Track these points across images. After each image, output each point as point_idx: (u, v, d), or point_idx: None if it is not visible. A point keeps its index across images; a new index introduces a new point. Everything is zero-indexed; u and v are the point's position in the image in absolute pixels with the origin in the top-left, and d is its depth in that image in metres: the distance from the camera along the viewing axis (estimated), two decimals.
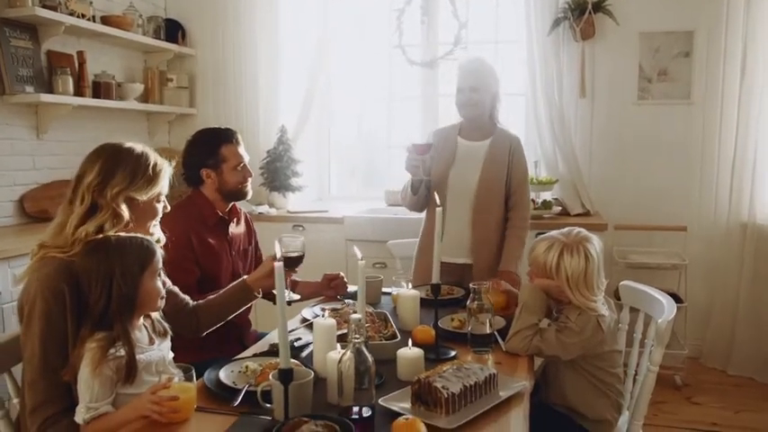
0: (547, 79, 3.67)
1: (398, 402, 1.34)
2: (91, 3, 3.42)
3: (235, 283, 1.92)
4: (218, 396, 1.42)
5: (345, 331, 1.65)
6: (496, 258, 2.45)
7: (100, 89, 3.53)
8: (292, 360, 1.27)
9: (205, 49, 4.23)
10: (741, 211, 3.50)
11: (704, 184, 3.65)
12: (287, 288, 2.01)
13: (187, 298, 1.86)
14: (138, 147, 1.58)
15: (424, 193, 2.48)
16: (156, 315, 1.53)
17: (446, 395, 1.29)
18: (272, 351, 1.67)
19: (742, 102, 3.46)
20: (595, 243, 1.76)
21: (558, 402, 1.81)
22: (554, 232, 1.80)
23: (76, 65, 3.43)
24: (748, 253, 3.47)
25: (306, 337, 1.81)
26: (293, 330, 1.91)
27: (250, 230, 2.36)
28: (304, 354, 1.67)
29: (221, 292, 1.91)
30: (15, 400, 1.53)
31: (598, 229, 3.13)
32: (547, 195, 3.70)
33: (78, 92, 3.38)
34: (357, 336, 1.24)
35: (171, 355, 1.53)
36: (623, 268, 3.39)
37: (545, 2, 3.65)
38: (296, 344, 1.74)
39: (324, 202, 4.26)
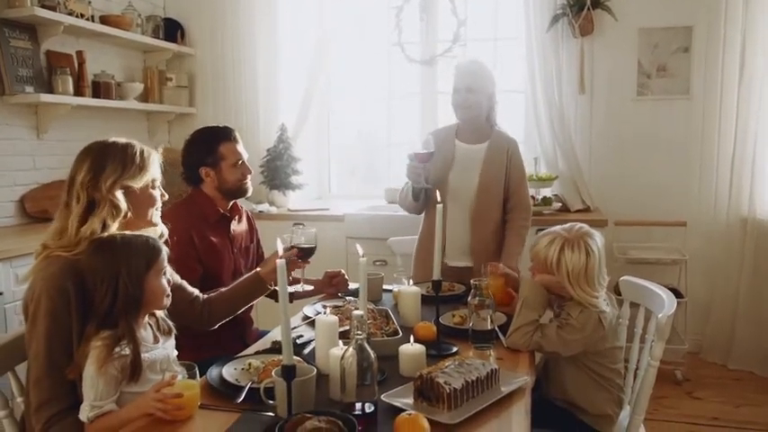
0: (546, 76, 3.67)
1: (401, 398, 1.35)
2: (90, 2, 3.42)
3: (248, 275, 1.94)
4: (222, 393, 1.42)
5: (347, 328, 1.66)
6: (496, 261, 2.45)
7: (99, 89, 3.54)
8: (295, 357, 1.28)
9: (204, 48, 4.23)
10: (741, 205, 3.50)
11: (704, 180, 3.66)
12: (295, 283, 2.05)
13: (196, 291, 1.88)
14: (123, 139, 1.59)
15: (425, 200, 2.49)
16: (160, 313, 1.53)
17: (448, 390, 1.29)
18: (275, 348, 1.68)
19: (741, 96, 3.46)
20: (597, 239, 1.76)
21: (558, 397, 1.82)
22: (556, 227, 1.80)
23: (76, 65, 3.43)
24: (748, 248, 3.47)
25: (308, 334, 1.82)
26: (295, 328, 1.92)
27: (252, 228, 2.37)
28: (306, 351, 1.68)
29: (233, 284, 1.93)
30: (19, 399, 1.54)
31: (598, 224, 3.13)
32: (547, 192, 3.71)
33: (78, 92, 3.38)
34: (359, 332, 1.25)
35: (175, 353, 1.54)
36: (623, 264, 3.39)
37: None
38: (298, 341, 1.74)
39: (324, 201, 4.27)
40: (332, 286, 2.25)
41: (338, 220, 3.64)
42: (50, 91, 3.25)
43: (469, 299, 1.72)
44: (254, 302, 2.05)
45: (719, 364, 3.56)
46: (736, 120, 3.49)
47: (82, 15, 3.33)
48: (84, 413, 1.35)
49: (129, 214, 1.53)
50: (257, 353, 1.68)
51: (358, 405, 1.24)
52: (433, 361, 1.48)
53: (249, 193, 2.24)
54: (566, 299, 1.77)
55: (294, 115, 4.07)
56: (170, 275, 1.70)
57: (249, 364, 1.55)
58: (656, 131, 3.74)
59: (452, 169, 2.49)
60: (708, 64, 3.59)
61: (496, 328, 1.75)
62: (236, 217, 2.26)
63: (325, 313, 1.71)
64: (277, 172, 3.92)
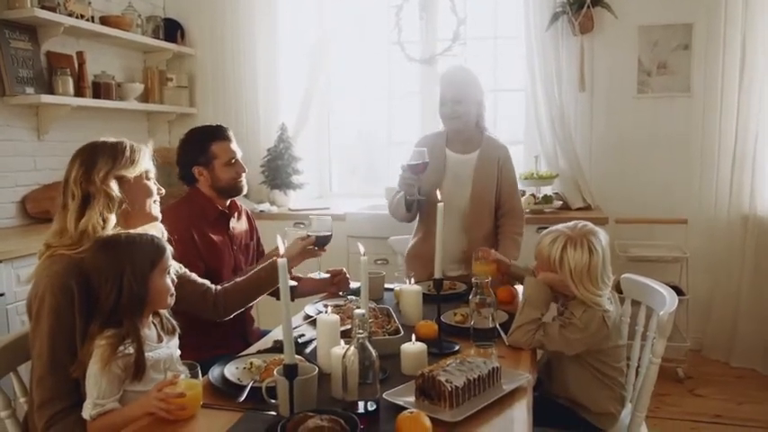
0: (546, 74, 3.67)
1: (403, 396, 1.35)
2: (89, 3, 3.43)
3: (264, 264, 1.95)
4: (224, 393, 1.43)
5: (348, 327, 1.66)
6: None
7: (100, 89, 3.54)
8: (296, 356, 1.28)
9: (204, 48, 4.24)
10: (742, 202, 3.50)
11: (705, 177, 3.66)
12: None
13: (207, 283, 1.88)
14: (112, 138, 1.60)
15: (417, 210, 2.48)
16: (164, 312, 1.54)
17: (450, 389, 1.29)
18: (276, 348, 1.68)
19: (742, 93, 3.46)
20: (601, 237, 1.75)
21: (560, 395, 1.82)
22: (560, 225, 1.79)
23: (76, 65, 3.44)
24: (749, 245, 3.47)
25: (309, 333, 1.82)
26: (296, 327, 1.92)
27: (252, 226, 2.37)
28: (308, 350, 1.68)
29: (249, 274, 1.93)
30: (22, 400, 1.54)
31: (599, 222, 3.11)
32: (547, 190, 3.71)
33: (78, 92, 3.38)
34: (361, 331, 1.25)
35: (178, 352, 1.54)
36: (624, 262, 3.39)
37: None
38: (300, 340, 1.74)
39: (325, 200, 4.27)
40: (333, 285, 2.25)
41: (339, 219, 3.63)
42: (51, 92, 3.26)
43: (471, 297, 1.72)
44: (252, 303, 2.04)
45: (721, 362, 3.56)
46: (736, 116, 3.48)
47: (82, 16, 3.33)
48: (87, 411, 1.35)
49: (126, 205, 1.54)
50: (259, 352, 1.68)
51: (360, 404, 1.24)
52: (435, 359, 1.48)
53: (244, 192, 2.23)
54: (569, 297, 1.76)
55: (294, 115, 4.07)
56: (179, 269, 1.71)
57: (251, 364, 1.55)
58: (656, 129, 3.73)
59: (445, 179, 2.48)
60: (708, 61, 3.59)
61: (498, 327, 1.75)
62: (236, 214, 2.26)
63: (326, 312, 1.71)
64: (278, 171, 3.93)
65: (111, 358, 1.35)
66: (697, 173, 3.68)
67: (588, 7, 3.59)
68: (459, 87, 2.45)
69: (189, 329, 1.62)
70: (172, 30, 4.15)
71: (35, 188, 3.31)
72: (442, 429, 1.23)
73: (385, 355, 1.51)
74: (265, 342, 1.82)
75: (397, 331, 1.73)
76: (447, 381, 1.31)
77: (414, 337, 1.58)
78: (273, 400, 1.30)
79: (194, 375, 1.36)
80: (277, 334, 1.89)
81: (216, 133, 2.15)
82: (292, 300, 2.22)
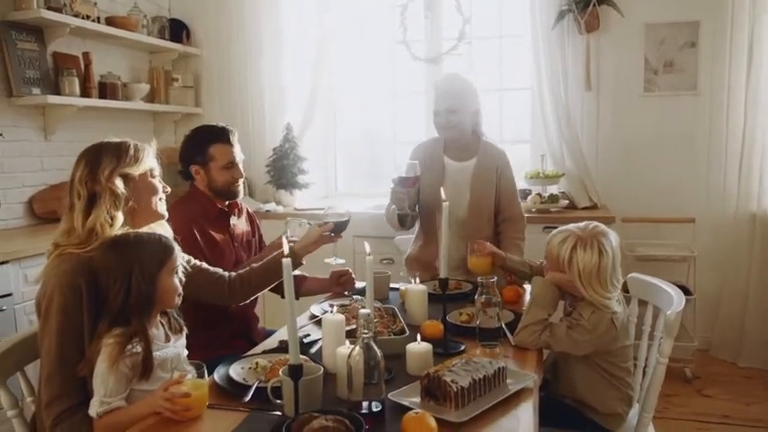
0: (552, 73, 3.66)
1: (408, 397, 1.34)
2: (95, 4, 3.44)
3: (280, 251, 1.94)
4: (229, 393, 1.43)
5: (354, 327, 1.66)
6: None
7: (106, 90, 3.55)
8: (302, 356, 1.28)
9: (210, 48, 4.24)
10: (750, 201, 3.48)
11: (712, 175, 3.64)
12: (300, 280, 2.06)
13: (220, 270, 1.90)
14: (115, 138, 1.61)
15: (411, 222, 2.47)
16: (172, 312, 1.54)
17: (455, 389, 1.29)
18: (282, 348, 1.68)
19: (749, 91, 3.43)
20: (612, 239, 1.73)
21: (567, 395, 1.81)
22: (571, 225, 1.77)
23: (82, 66, 3.45)
24: (757, 243, 3.45)
25: (314, 333, 1.82)
26: (302, 327, 1.92)
27: (253, 223, 2.38)
28: (313, 350, 1.68)
29: (265, 260, 1.93)
30: (29, 399, 1.55)
31: (606, 221, 3.06)
32: (554, 189, 3.69)
33: (84, 93, 3.39)
34: (366, 331, 1.25)
35: (186, 352, 1.54)
36: (631, 261, 3.37)
37: None
38: (305, 340, 1.74)
39: (330, 199, 4.26)
40: (339, 285, 2.25)
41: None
42: (57, 92, 3.27)
43: (476, 297, 1.71)
44: (254, 299, 2.06)
45: (729, 362, 3.53)
46: (744, 114, 3.46)
47: (88, 17, 3.34)
48: (94, 409, 1.36)
49: (132, 202, 1.54)
50: (264, 352, 1.68)
51: (365, 404, 1.24)
52: (440, 359, 1.48)
53: (240, 197, 2.23)
54: (578, 298, 1.74)
55: (300, 114, 4.07)
56: (187, 263, 1.72)
57: (256, 364, 1.55)
58: (663, 127, 3.71)
59: (444, 187, 2.46)
60: (715, 59, 3.56)
61: (504, 326, 1.75)
62: (236, 212, 2.26)
63: (331, 312, 1.71)
64: (283, 171, 3.93)
65: (119, 357, 1.35)
66: (704, 171, 3.66)
67: (594, 5, 3.57)
68: (454, 97, 2.42)
69: (195, 329, 1.63)
70: (177, 30, 4.16)
71: (42, 188, 3.32)
72: (448, 430, 1.22)
73: (390, 355, 1.51)
74: (271, 342, 1.82)
75: (402, 331, 1.72)
76: (452, 381, 1.30)
77: (419, 336, 1.58)
78: (279, 401, 1.30)
79: (200, 375, 1.36)
80: (282, 334, 1.89)
81: (217, 135, 2.14)
82: (297, 298, 2.25)
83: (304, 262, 1.98)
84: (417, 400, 1.34)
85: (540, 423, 1.35)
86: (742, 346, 3.49)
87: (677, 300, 1.76)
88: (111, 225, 1.49)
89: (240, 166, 2.18)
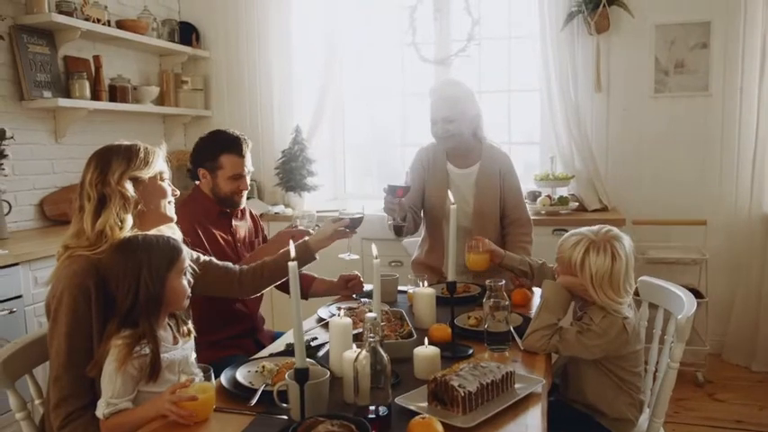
0: (561, 74, 3.64)
1: (415, 401, 1.34)
2: (106, 8, 3.46)
3: (295, 244, 1.94)
4: (235, 396, 1.43)
5: (361, 330, 1.65)
6: (497, 277, 2.41)
7: (116, 93, 3.57)
8: (309, 359, 1.27)
9: (219, 50, 4.26)
10: (763, 203, 3.44)
11: (724, 177, 3.60)
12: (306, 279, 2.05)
13: (229, 264, 1.91)
14: (126, 141, 1.61)
15: (407, 234, 2.45)
16: (181, 315, 1.54)
17: (462, 394, 1.28)
18: (289, 351, 1.68)
19: (762, 92, 3.39)
20: (626, 243, 1.70)
21: (577, 400, 1.79)
22: (583, 228, 1.75)
23: (93, 69, 3.47)
24: None
25: (322, 336, 1.81)
26: (309, 330, 1.92)
27: (256, 224, 2.39)
28: (320, 353, 1.67)
29: (279, 252, 1.94)
30: (37, 401, 1.56)
31: (616, 224, 3.05)
32: (563, 191, 3.67)
33: (95, 96, 3.42)
34: (372, 335, 1.24)
35: (194, 355, 1.55)
36: (642, 264, 3.34)
37: None
38: (312, 343, 1.74)
39: (340, 201, 4.26)
40: (347, 289, 2.24)
41: None
42: (68, 95, 3.30)
43: (485, 300, 1.70)
44: (258, 295, 2.06)
45: (742, 366, 3.49)
46: (757, 115, 3.42)
47: (98, 20, 3.37)
48: (100, 409, 1.36)
49: (141, 205, 1.55)
50: (271, 355, 1.68)
51: (372, 408, 1.23)
52: (448, 363, 1.47)
53: (240, 207, 2.24)
54: (588, 302, 1.72)
55: (309, 117, 4.08)
56: (197, 257, 1.73)
57: (263, 367, 1.55)
58: (674, 129, 3.68)
59: (449, 195, 2.45)
60: (727, 59, 3.53)
61: (512, 330, 1.73)
62: (238, 214, 2.28)
63: (339, 315, 1.71)
64: (292, 174, 3.93)
65: (127, 358, 1.36)
66: (716, 173, 3.63)
67: (604, 6, 3.55)
68: (450, 106, 2.37)
69: (202, 328, 1.63)
70: (187, 33, 4.18)
71: (53, 191, 3.34)
72: None
73: (397, 359, 1.50)
74: (278, 345, 1.82)
75: (409, 335, 1.71)
76: (460, 386, 1.29)
77: (426, 340, 1.57)
78: (285, 404, 1.30)
79: (207, 379, 1.36)
80: (290, 337, 1.89)
81: (231, 145, 2.14)
82: (306, 298, 2.25)
83: (317, 257, 1.99)
84: (424, 404, 1.33)
85: (549, 428, 1.33)
86: (755, 350, 3.45)
87: (688, 304, 1.73)
88: (121, 228, 1.50)
89: (248, 178, 2.19)
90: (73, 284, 1.42)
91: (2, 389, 1.50)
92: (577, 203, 3.62)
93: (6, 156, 2.89)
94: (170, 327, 1.51)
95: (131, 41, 3.67)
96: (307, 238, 1.99)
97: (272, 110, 4.13)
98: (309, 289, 2.29)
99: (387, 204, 2.32)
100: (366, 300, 2.12)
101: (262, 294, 2.08)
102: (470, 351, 1.68)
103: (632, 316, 1.70)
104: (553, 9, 3.62)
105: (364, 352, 1.24)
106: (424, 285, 1.99)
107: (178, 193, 1.70)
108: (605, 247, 1.67)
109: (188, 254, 1.54)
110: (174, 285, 1.46)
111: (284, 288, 2.05)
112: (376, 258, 1.45)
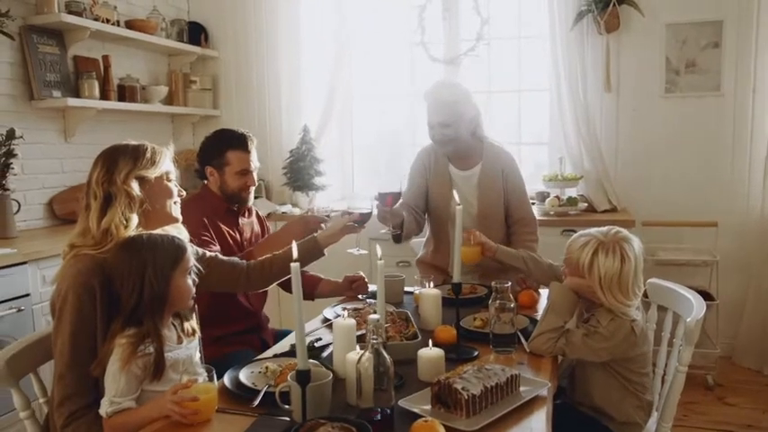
0: (571, 74, 3.61)
1: (418, 404, 1.33)
2: (115, 8, 3.48)
3: (304, 240, 1.95)
4: (238, 397, 1.42)
5: (365, 331, 1.64)
6: (503, 278, 2.39)
7: (125, 92, 3.59)
8: (311, 361, 1.26)
9: (228, 50, 4.27)
10: None
11: (735, 178, 3.56)
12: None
13: (235, 259, 1.92)
14: (133, 141, 1.62)
15: (406, 240, 2.43)
16: (185, 314, 1.54)
17: (466, 397, 1.26)
18: (293, 351, 1.67)
19: None
20: (635, 245, 1.68)
21: (584, 403, 1.77)
22: (592, 230, 1.73)
23: (102, 69, 3.49)
24: None
25: (326, 337, 1.80)
26: (314, 330, 1.91)
27: (262, 225, 2.41)
28: (325, 354, 1.67)
29: (285, 249, 1.93)
30: (41, 400, 1.56)
31: (625, 225, 3.02)
32: (572, 192, 3.64)
33: (104, 95, 3.43)
34: (375, 337, 1.23)
35: (198, 355, 1.54)
36: (652, 265, 3.30)
37: None
38: (316, 344, 1.73)
39: (347, 201, 4.24)
40: (352, 290, 2.24)
41: None
42: (77, 95, 3.32)
43: (491, 302, 1.68)
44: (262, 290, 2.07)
45: (753, 370, 3.45)
46: None
47: (108, 20, 3.38)
48: (103, 408, 1.37)
49: (147, 205, 1.55)
50: (275, 356, 1.68)
51: (374, 410, 1.22)
52: (453, 365, 1.45)
53: (249, 203, 2.26)
54: (596, 304, 1.70)
55: (317, 116, 4.08)
56: (202, 254, 1.73)
57: (266, 368, 1.55)
58: (685, 129, 3.64)
59: (452, 198, 2.43)
60: (739, 59, 3.49)
61: (518, 332, 1.71)
62: (245, 213, 2.29)
63: (344, 316, 1.70)
64: (300, 173, 3.93)
65: (132, 357, 1.36)
66: (728, 174, 3.58)
67: (614, 5, 3.52)
68: (446, 110, 2.34)
69: (207, 324, 1.64)
70: (196, 33, 4.19)
71: (62, 190, 3.36)
72: None
73: (402, 361, 1.49)
74: (282, 346, 1.81)
75: (414, 336, 1.70)
76: (463, 388, 1.28)
77: (431, 342, 1.56)
78: (287, 406, 1.29)
79: (210, 379, 1.35)
80: (294, 337, 1.89)
81: (236, 141, 2.16)
82: (312, 299, 2.25)
83: (326, 253, 1.98)
84: (428, 407, 1.32)
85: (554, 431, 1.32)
86: (767, 354, 3.41)
87: (697, 307, 1.71)
88: (126, 227, 1.50)
89: (255, 174, 2.21)
90: (78, 283, 1.42)
91: (6, 387, 1.50)
92: (586, 204, 3.59)
93: (16, 155, 2.91)
94: (174, 326, 1.51)
95: (140, 41, 3.68)
96: (315, 234, 2.00)
97: (281, 109, 4.13)
98: (315, 290, 2.29)
99: (379, 213, 2.29)
100: (371, 300, 2.11)
101: (266, 293, 2.09)
102: (476, 353, 1.66)
103: (640, 318, 1.68)
104: (563, 8, 3.60)
105: (367, 354, 1.23)
106: (430, 286, 1.98)
107: (184, 193, 1.70)
108: (614, 248, 1.65)
109: (193, 253, 1.54)
110: (179, 284, 1.46)
111: (289, 288, 2.04)
112: (380, 259, 1.44)
